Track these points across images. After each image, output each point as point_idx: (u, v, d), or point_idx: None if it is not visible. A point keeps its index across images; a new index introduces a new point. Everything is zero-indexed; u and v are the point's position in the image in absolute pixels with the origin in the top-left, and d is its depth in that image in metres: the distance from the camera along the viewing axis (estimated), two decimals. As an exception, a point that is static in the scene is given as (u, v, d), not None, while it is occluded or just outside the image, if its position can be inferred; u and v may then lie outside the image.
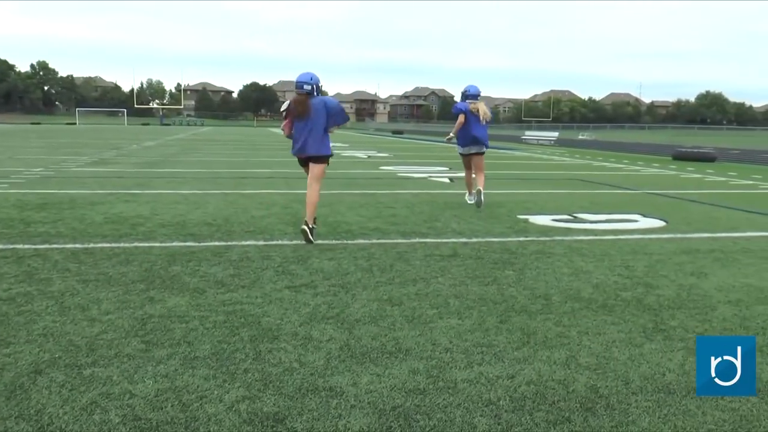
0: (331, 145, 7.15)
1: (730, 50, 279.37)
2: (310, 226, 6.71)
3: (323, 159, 7.07)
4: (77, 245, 6.28)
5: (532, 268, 5.74)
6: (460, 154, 10.09)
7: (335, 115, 7.06)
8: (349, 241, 6.74)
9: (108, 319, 4.05)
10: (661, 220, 8.90)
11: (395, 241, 6.83)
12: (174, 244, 6.46)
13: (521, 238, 7.17)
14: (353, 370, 3.33)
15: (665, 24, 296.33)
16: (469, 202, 9.88)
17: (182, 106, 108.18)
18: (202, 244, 6.49)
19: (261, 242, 6.61)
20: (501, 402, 3.00)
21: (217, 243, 6.54)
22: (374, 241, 6.80)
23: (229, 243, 6.55)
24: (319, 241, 6.71)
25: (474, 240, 7.00)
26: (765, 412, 2.95)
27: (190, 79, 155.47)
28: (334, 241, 6.73)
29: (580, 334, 3.99)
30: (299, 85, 6.94)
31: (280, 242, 6.64)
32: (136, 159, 19.54)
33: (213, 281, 5.03)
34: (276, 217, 8.31)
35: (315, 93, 6.99)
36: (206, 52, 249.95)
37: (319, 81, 7.15)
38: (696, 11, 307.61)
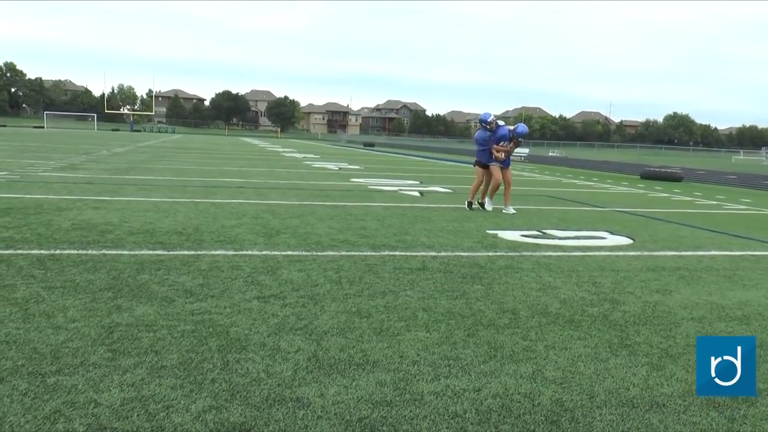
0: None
1: (697, 73, 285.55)
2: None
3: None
4: (43, 251, 6.19)
5: (500, 283, 5.80)
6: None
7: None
8: (319, 253, 6.74)
9: (74, 327, 4.00)
10: (628, 237, 9.04)
11: (365, 253, 6.85)
12: (143, 252, 6.40)
13: (490, 253, 7.24)
14: (321, 381, 3.34)
15: (635, 45, 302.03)
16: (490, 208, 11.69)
17: (153, 113, 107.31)
18: (171, 252, 6.44)
19: (231, 252, 6.58)
20: (467, 414, 3.03)
21: (186, 252, 6.50)
22: (344, 253, 6.81)
23: (199, 252, 6.51)
24: (289, 252, 6.71)
25: (443, 254, 7.04)
26: (723, 426, 3.01)
27: (162, 86, 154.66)
28: (303, 253, 6.72)
29: (547, 348, 4.05)
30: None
31: (249, 252, 6.61)
32: (106, 165, 19.32)
33: (182, 290, 5.00)
34: (246, 227, 8.28)
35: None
36: (179, 59, 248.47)
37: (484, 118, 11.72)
38: (666, 33, 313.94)
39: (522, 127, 11.94)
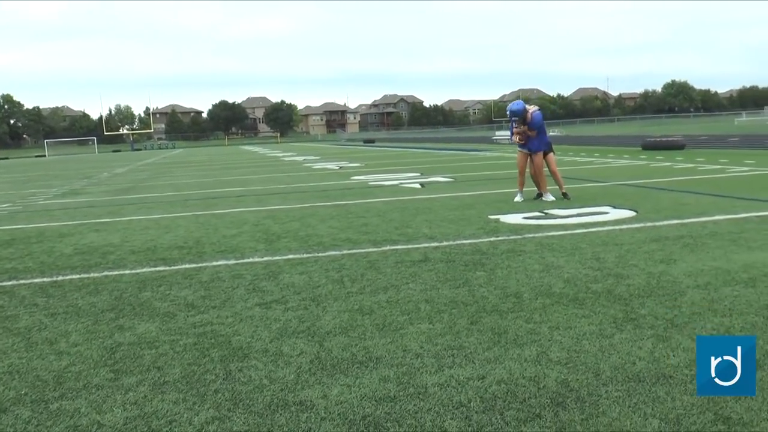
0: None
1: (693, 39, 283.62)
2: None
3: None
4: (45, 279, 6.20)
5: (503, 267, 5.76)
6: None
7: None
8: (321, 254, 6.73)
9: (76, 351, 4.00)
10: (631, 210, 8.98)
11: (366, 250, 6.83)
12: (144, 270, 6.40)
13: (492, 239, 7.20)
14: (323, 382, 3.32)
15: (628, 17, 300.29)
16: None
17: (152, 130, 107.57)
18: (172, 267, 6.43)
19: (232, 261, 6.57)
20: (471, 403, 3.00)
21: (188, 265, 6.49)
22: (345, 252, 6.79)
23: (200, 264, 6.51)
24: (290, 256, 6.70)
25: (445, 243, 7.01)
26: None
27: (159, 102, 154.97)
28: (305, 255, 6.70)
29: (551, 329, 4.01)
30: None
31: (251, 260, 6.61)
32: (107, 187, 19.38)
33: (183, 304, 4.99)
34: (247, 234, 8.27)
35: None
36: (172, 74, 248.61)
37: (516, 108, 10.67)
38: (660, 2, 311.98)
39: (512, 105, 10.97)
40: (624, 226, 7.70)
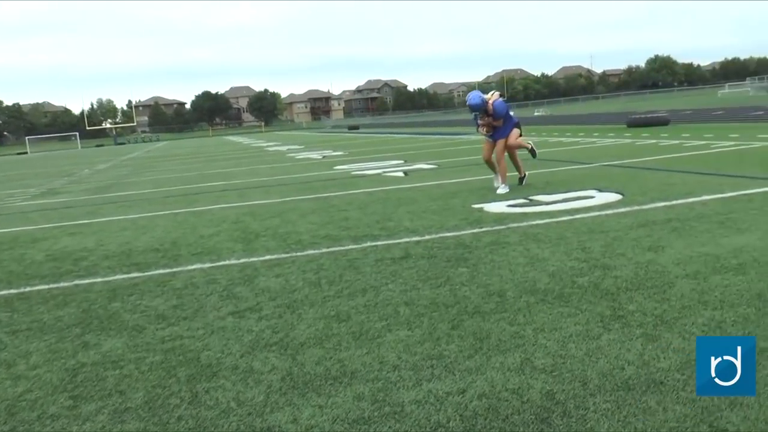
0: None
1: (674, 13, 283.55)
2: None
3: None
4: (12, 291, 5.95)
5: (486, 262, 5.57)
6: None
7: None
8: (299, 253, 6.51)
9: (35, 375, 3.77)
10: (617, 193, 8.80)
11: (346, 247, 6.61)
12: (117, 277, 6.16)
13: (476, 230, 7.00)
14: (294, 403, 3.11)
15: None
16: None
17: (135, 123, 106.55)
18: (146, 273, 6.20)
19: (207, 265, 6.33)
20: (451, 423, 2.81)
21: (162, 271, 6.26)
22: (324, 250, 6.57)
23: (175, 269, 6.27)
24: (268, 256, 6.48)
25: (427, 237, 6.81)
26: (725, 402, 2.80)
27: (141, 95, 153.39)
28: (283, 255, 6.48)
29: (536, 331, 3.82)
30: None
31: (227, 262, 6.37)
32: (87, 185, 19.03)
33: (154, 315, 4.77)
34: (225, 234, 8.04)
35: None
36: (154, 66, 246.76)
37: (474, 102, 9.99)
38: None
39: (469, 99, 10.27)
40: (610, 211, 7.52)
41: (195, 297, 5.18)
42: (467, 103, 10.21)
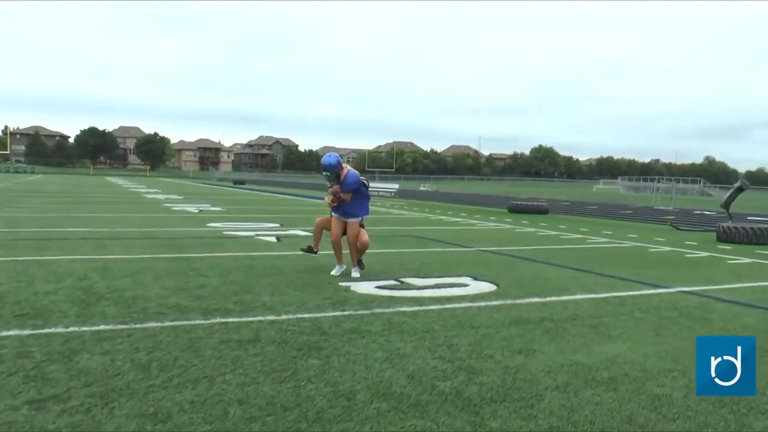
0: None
1: (559, 108, 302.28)
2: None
3: None
4: None
5: (341, 354, 5.14)
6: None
7: None
8: (138, 325, 5.83)
9: None
10: (491, 283, 8.68)
11: (192, 322, 6.00)
12: None
13: (337, 313, 6.58)
14: None
15: (504, 81, 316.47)
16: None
17: (9, 152, 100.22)
18: (-50, 336, 5.33)
19: (27, 331, 5.53)
20: None
21: (-29, 334, 5.41)
22: (167, 323, 5.93)
23: (-13, 334, 5.44)
24: (102, 326, 5.75)
25: (284, 317, 6.31)
26: None
27: (21, 122, 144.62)
28: (119, 326, 5.79)
29: (377, 451, 3.39)
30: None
31: (52, 330, 5.60)
32: (-70, 216, 17.24)
33: (-64, 395, 3.98)
34: (64, 292, 7.20)
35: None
36: (39, 93, 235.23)
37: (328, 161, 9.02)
38: (532, 71, 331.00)
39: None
40: (483, 303, 7.32)
41: (-4, 374, 4.41)
42: (321, 162, 9.13)
